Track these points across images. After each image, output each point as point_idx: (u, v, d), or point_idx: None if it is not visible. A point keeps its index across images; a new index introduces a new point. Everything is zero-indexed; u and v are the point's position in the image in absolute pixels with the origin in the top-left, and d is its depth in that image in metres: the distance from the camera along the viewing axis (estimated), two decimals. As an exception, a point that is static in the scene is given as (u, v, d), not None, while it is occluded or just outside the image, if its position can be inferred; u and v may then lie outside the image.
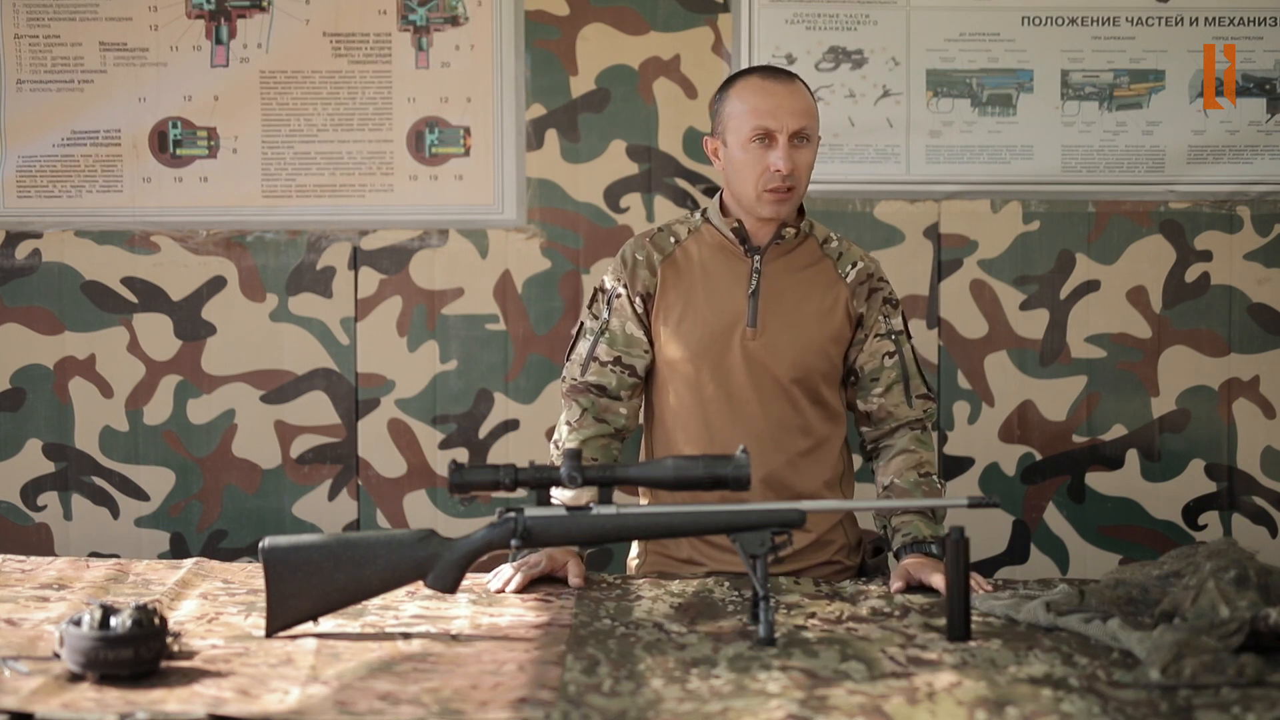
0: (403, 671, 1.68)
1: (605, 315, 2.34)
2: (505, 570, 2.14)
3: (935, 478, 2.28)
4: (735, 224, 2.31)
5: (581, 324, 2.38)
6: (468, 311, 3.37)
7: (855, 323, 2.33)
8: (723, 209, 2.34)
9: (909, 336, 2.38)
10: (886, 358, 2.32)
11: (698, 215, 2.38)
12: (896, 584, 2.10)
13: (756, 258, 2.30)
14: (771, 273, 2.30)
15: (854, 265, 2.34)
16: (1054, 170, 3.36)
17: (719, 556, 2.31)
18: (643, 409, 2.42)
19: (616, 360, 2.32)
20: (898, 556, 2.21)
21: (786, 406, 2.29)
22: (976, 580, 2.06)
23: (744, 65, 3.33)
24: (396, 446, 3.39)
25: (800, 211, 2.36)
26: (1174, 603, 1.77)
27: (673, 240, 2.35)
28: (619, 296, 2.34)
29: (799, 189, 2.26)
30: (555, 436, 2.35)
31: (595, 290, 2.39)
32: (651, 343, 2.34)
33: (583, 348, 2.35)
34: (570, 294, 3.36)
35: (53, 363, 3.40)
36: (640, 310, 2.33)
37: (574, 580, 2.12)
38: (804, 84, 2.30)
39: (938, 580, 2.05)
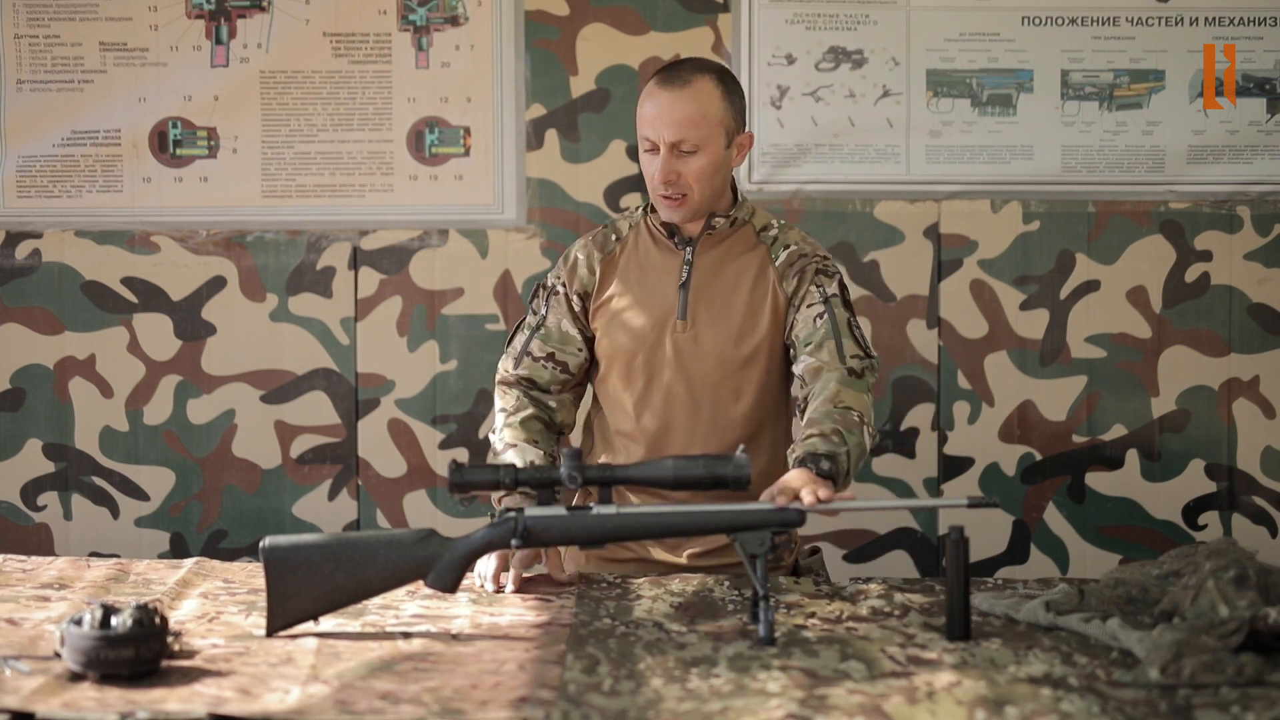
0: (403, 671, 1.68)
1: (544, 311, 2.35)
2: (485, 566, 2.10)
3: (855, 413, 2.12)
4: None
5: (523, 318, 2.38)
6: (468, 311, 3.38)
7: (787, 303, 2.28)
8: None
9: (846, 304, 2.29)
10: (817, 319, 2.25)
11: (639, 210, 2.37)
12: (764, 497, 1.96)
13: (688, 250, 2.29)
14: (703, 264, 2.29)
15: (785, 249, 2.30)
16: (1054, 170, 3.36)
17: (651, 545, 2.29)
18: (587, 402, 2.42)
19: (550, 356, 2.33)
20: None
21: (720, 397, 2.27)
22: (836, 494, 1.94)
23: (744, 65, 3.34)
24: (396, 446, 3.39)
25: (734, 199, 2.32)
26: (1173, 602, 1.77)
27: (614, 237, 2.35)
28: (557, 294, 2.34)
29: (693, 196, 2.22)
30: (493, 426, 2.34)
31: (538, 286, 2.39)
32: (587, 341, 2.34)
33: (519, 341, 2.36)
34: (570, 294, 3.35)
35: (53, 363, 3.40)
36: (578, 309, 2.33)
37: (555, 574, 2.13)
38: (712, 84, 2.22)
39: (806, 497, 1.89)
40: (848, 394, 2.15)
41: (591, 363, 2.37)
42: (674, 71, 2.23)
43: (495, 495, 2.21)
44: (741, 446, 1.90)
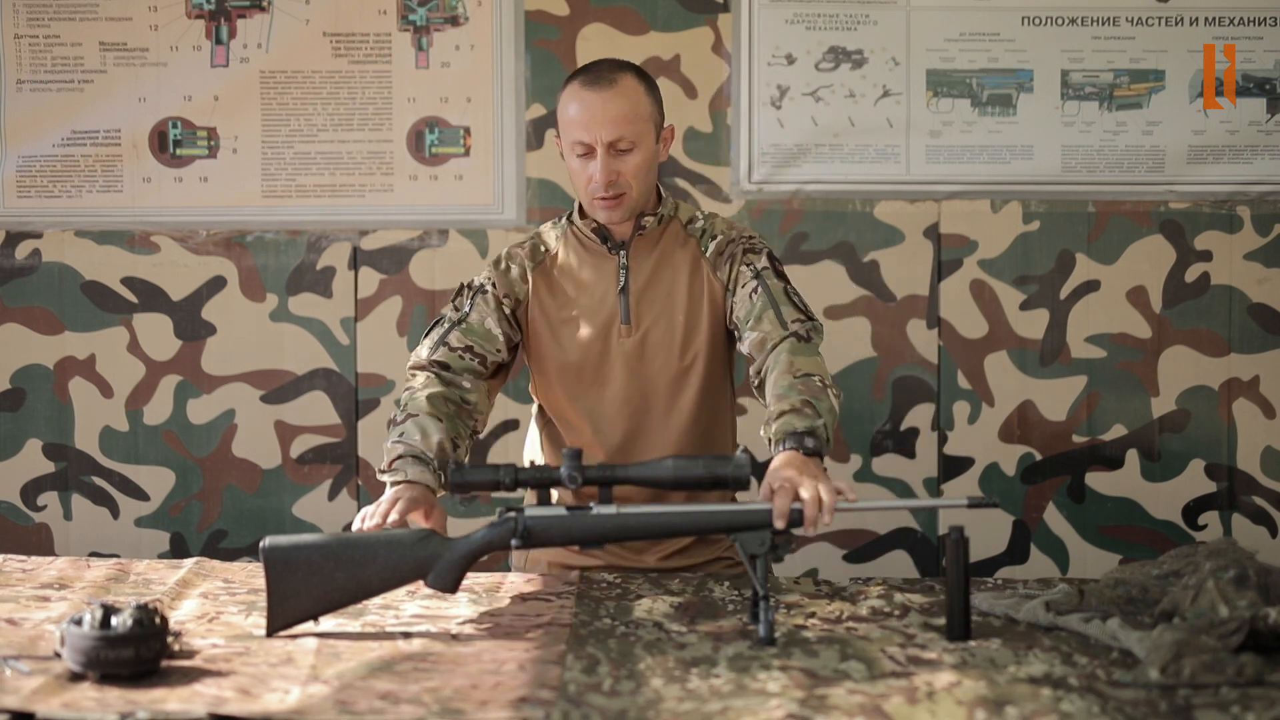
0: (403, 671, 1.68)
1: (466, 308, 2.29)
2: (368, 510, 2.05)
3: (816, 378, 2.10)
4: (594, 223, 2.28)
5: (441, 315, 2.32)
6: (468, 311, 3.37)
7: (724, 290, 2.27)
8: (582, 210, 2.30)
9: (779, 275, 2.27)
10: (753, 294, 2.23)
11: (563, 220, 2.34)
12: (764, 493, 1.90)
13: (622, 253, 2.27)
14: (639, 266, 2.27)
15: (714, 239, 2.29)
16: (1054, 170, 3.36)
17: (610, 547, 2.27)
18: (532, 415, 2.40)
19: (468, 348, 2.27)
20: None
21: (673, 395, 2.27)
22: (839, 487, 1.89)
23: (744, 65, 3.34)
24: (396, 446, 3.39)
25: (659, 197, 2.31)
26: (1173, 602, 1.77)
27: (543, 249, 2.32)
28: (485, 293, 2.29)
29: (631, 194, 2.22)
30: (399, 408, 2.22)
31: (461, 285, 2.34)
32: (509, 345, 2.30)
33: (436, 334, 2.29)
34: (570, 294, 3.35)
35: (53, 363, 3.40)
36: (507, 311, 2.29)
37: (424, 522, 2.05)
38: (635, 81, 2.22)
39: (806, 491, 1.85)
40: (802, 360, 2.13)
41: (505, 367, 2.32)
42: (596, 73, 2.22)
43: (388, 457, 2.14)
44: (742, 446, 1.90)
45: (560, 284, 2.30)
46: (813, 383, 2.09)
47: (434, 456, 2.10)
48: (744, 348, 2.24)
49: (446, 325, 2.30)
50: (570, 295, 2.29)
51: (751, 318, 2.21)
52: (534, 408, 2.42)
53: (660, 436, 2.27)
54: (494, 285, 2.30)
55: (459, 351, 2.27)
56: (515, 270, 2.30)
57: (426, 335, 2.32)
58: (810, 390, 2.07)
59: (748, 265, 2.25)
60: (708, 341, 2.27)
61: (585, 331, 2.27)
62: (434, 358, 2.27)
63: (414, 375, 2.28)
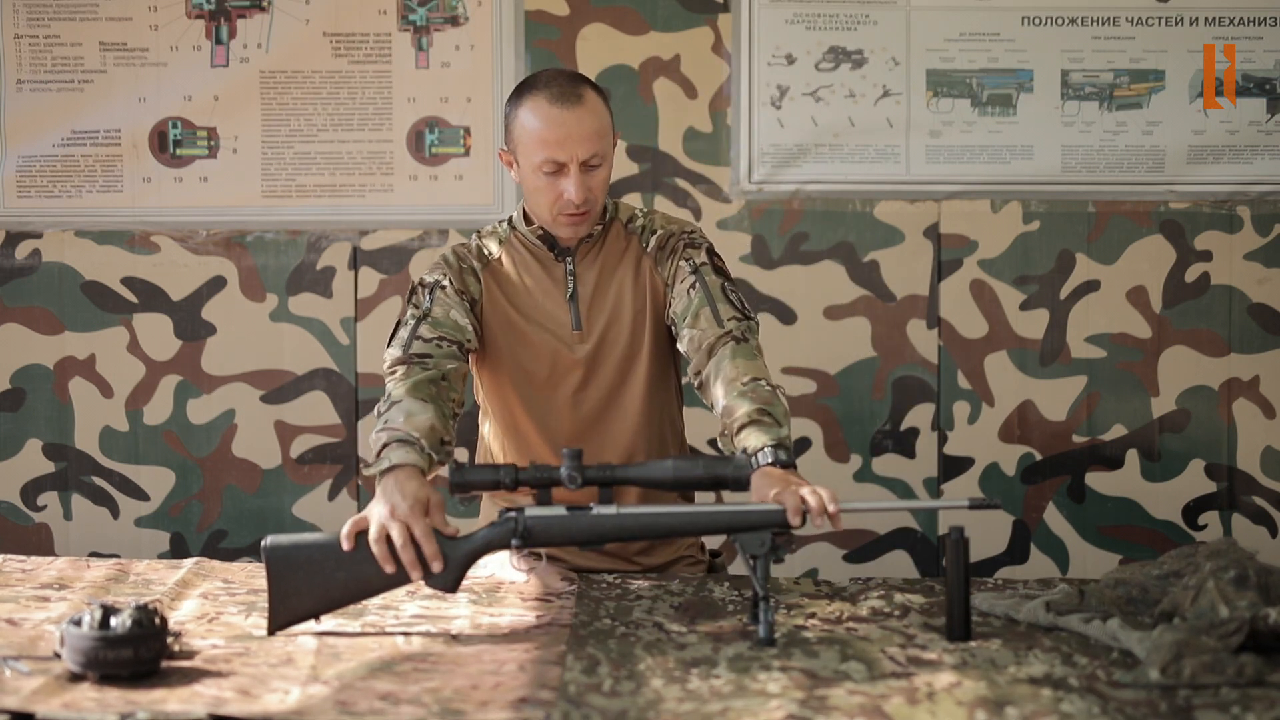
0: (403, 671, 1.68)
1: (427, 304, 2.23)
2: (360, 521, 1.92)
3: (762, 382, 2.09)
4: (540, 230, 2.25)
5: (400, 320, 2.25)
6: (468, 311, 3.37)
7: (665, 285, 2.26)
8: (526, 217, 2.28)
9: (718, 270, 2.25)
10: (690, 291, 2.22)
11: (504, 226, 2.32)
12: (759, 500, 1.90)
13: (569, 260, 2.25)
14: (586, 272, 2.26)
15: (654, 234, 2.28)
16: (1054, 170, 3.36)
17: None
18: (483, 419, 2.37)
19: (440, 338, 2.19)
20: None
21: (624, 396, 2.26)
22: (827, 494, 1.88)
23: (744, 65, 3.34)
24: (396, 446, 3.38)
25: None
26: (1174, 603, 1.77)
27: (488, 253, 2.29)
28: (444, 288, 2.23)
29: (595, 208, 2.20)
30: (383, 400, 2.12)
31: (413, 286, 2.28)
32: (477, 335, 2.24)
33: (403, 333, 2.21)
34: (570, 294, 3.35)
35: (53, 363, 3.40)
36: (468, 306, 2.23)
37: (435, 564, 1.91)
38: (595, 94, 2.20)
39: (806, 494, 1.86)
40: (744, 364, 2.12)
41: (467, 357, 2.25)
42: (561, 89, 2.18)
43: (375, 448, 2.02)
44: (742, 448, 1.89)
45: (509, 290, 2.27)
46: (761, 389, 2.08)
47: (420, 436, 2.00)
48: (681, 345, 2.23)
49: (412, 323, 2.22)
50: (520, 302, 2.26)
51: (689, 315, 2.20)
52: (482, 418, 2.38)
53: (613, 437, 2.26)
54: (451, 281, 2.24)
55: (434, 342, 2.19)
56: (469, 272, 2.27)
57: (392, 337, 2.24)
58: (761, 397, 2.06)
59: (686, 260, 2.24)
60: (653, 339, 2.27)
61: (537, 339, 2.25)
62: (411, 351, 2.18)
63: (394, 372, 2.18)
